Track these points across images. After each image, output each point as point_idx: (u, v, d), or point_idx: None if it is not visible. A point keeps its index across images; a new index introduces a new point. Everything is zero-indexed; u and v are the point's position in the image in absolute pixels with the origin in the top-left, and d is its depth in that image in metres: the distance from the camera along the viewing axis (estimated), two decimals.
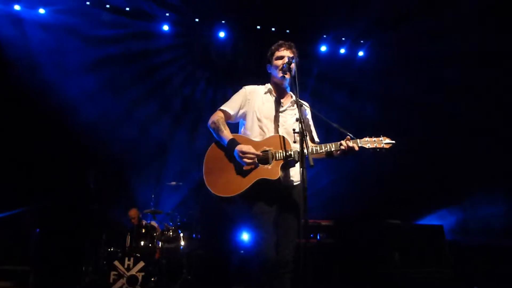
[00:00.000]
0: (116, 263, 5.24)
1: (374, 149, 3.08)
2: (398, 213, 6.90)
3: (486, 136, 7.41)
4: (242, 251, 6.45)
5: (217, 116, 3.29)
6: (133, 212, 6.61)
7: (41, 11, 7.20)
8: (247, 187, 3.00)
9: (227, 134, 3.17)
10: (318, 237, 6.31)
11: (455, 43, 7.26)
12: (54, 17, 7.25)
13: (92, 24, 7.39)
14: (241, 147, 3.04)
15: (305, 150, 2.78)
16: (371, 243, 6.28)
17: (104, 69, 7.55)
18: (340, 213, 7.11)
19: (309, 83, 8.20)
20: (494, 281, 6.15)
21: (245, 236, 6.49)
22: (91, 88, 7.42)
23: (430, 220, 7.48)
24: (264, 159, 3.06)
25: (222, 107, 3.35)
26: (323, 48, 8.48)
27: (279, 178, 3.00)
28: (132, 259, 5.30)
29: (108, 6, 7.39)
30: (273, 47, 3.40)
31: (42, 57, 7.13)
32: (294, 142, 3.09)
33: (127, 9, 7.50)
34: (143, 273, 5.25)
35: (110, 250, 5.70)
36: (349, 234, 6.62)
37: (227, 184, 3.06)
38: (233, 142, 3.10)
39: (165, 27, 7.84)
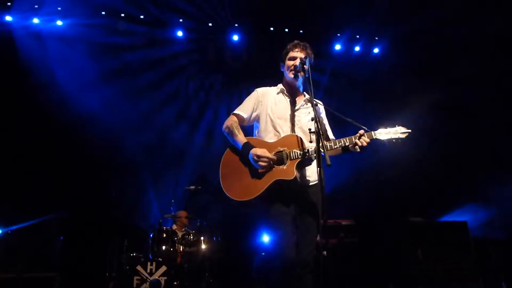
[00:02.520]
0: (139, 267, 5.29)
1: (390, 140, 3.03)
2: (420, 210, 6.80)
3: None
4: (263, 253, 6.44)
5: (231, 121, 3.31)
6: (182, 213, 6.68)
7: (59, 23, 7.36)
8: (264, 189, 3.00)
9: (241, 138, 3.19)
10: (339, 237, 6.25)
11: (474, 33, 7.12)
12: (71, 28, 7.41)
13: (108, 33, 7.52)
14: (256, 151, 3.04)
15: (322, 149, 2.77)
16: (394, 241, 6.20)
17: (121, 77, 7.66)
18: (361, 212, 7.03)
19: (324, 83, 8.15)
20: None
21: (266, 238, 6.48)
22: (109, 96, 7.51)
23: (454, 216, 7.34)
24: (279, 159, 3.05)
25: (235, 111, 3.38)
26: (338, 47, 8.43)
27: (295, 178, 2.99)
28: (154, 263, 5.35)
29: (123, 15, 7.51)
30: (288, 46, 3.40)
31: (60, 68, 7.27)
32: (310, 141, 3.08)
33: (141, 17, 7.61)
34: (165, 277, 5.28)
35: (133, 255, 5.75)
36: (371, 233, 6.54)
37: (244, 188, 3.07)
38: (248, 146, 3.11)
39: (179, 33, 7.92)
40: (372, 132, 3.05)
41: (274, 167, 3.04)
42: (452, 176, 7.55)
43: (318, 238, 3.18)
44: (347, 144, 3.05)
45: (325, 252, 2.92)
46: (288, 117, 3.26)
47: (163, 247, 5.78)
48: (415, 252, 5.85)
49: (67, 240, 6.55)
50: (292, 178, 2.98)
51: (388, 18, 7.57)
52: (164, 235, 5.89)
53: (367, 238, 6.42)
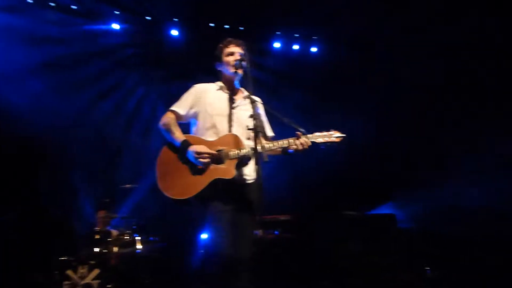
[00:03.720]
0: (69, 272, 5.03)
1: (325, 143, 3.11)
2: (354, 205, 7.10)
3: (436, 129, 7.79)
4: (202, 251, 6.38)
5: (168, 118, 3.24)
6: (101, 213, 6.40)
7: None
8: (202, 188, 2.98)
9: (179, 135, 3.13)
10: (276, 233, 6.35)
11: (410, 36, 7.51)
12: None
13: (37, 24, 7.03)
14: (195, 147, 3.00)
15: (259, 147, 2.79)
16: (329, 234, 6.41)
17: (53, 71, 7.18)
18: (298, 207, 7.21)
19: (264, 80, 8.21)
20: (443, 264, 6.52)
21: (204, 236, 6.42)
22: (40, 91, 7.03)
23: (384, 209, 7.75)
24: (218, 158, 3.03)
25: (172, 108, 3.31)
26: (277, 45, 8.52)
27: (234, 177, 2.98)
28: (86, 267, 5.11)
29: (53, 4, 7.06)
30: (221, 44, 3.39)
31: None
32: (248, 139, 3.09)
33: (74, 7, 7.20)
34: (98, 281, 5.07)
35: (63, 258, 5.45)
36: (308, 227, 6.71)
37: (182, 187, 3.02)
38: (186, 143, 3.06)
39: (115, 26, 7.60)
40: (309, 135, 3.10)
41: (213, 165, 3.01)
42: (382, 172, 7.97)
43: (257, 234, 3.20)
44: (285, 145, 3.07)
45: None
46: (227, 114, 3.24)
47: (96, 249, 5.55)
48: (348, 244, 6.12)
49: None
50: (231, 177, 2.99)
51: (325, 18, 7.77)
52: (97, 236, 5.65)
53: (304, 232, 6.57)
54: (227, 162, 3.03)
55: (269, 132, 3.44)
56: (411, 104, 7.89)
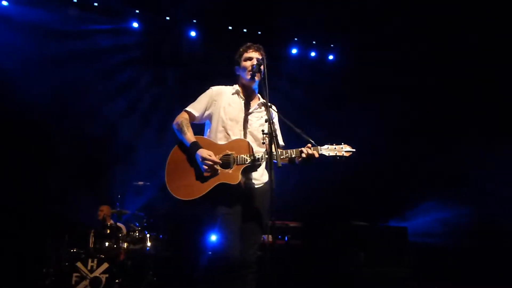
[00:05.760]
0: (79, 264, 5.10)
1: (334, 156, 3.08)
2: (365, 215, 7.05)
3: (452, 139, 7.74)
4: (210, 252, 6.39)
5: (182, 118, 3.25)
6: (103, 208, 6.49)
7: (4, 3, 6.92)
8: (207, 191, 2.99)
9: (189, 137, 3.14)
10: (286, 239, 6.34)
11: (417, 48, 7.49)
12: (18, 10, 6.98)
13: (59, 19, 7.15)
14: (202, 152, 3.01)
15: (274, 152, 2.78)
16: (338, 244, 6.39)
17: (70, 65, 7.30)
18: (309, 215, 7.17)
19: (280, 86, 8.22)
20: (452, 280, 6.46)
21: (213, 237, 6.42)
22: (55, 85, 7.17)
23: (396, 222, 7.68)
24: (226, 163, 3.04)
25: (187, 108, 3.31)
26: (294, 51, 8.55)
27: (239, 183, 2.99)
28: (95, 260, 5.18)
29: (75, 0, 7.19)
30: (241, 49, 3.37)
31: (4, 53, 6.84)
32: (263, 143, 3.09)
33: (95, 4, 7.32)
34: (107, 275, 5.12)
35: (73, 251, 5.53)
36: (317, 235, 6.69)
37: (188, 187, 3.04)
38: (195, 145, 3.07)
39: (135, 24, 7.71)
40: (319, 147, 3.07)
41: (220, 169, 3.02)
42: (396, 184, 7.91)
43: (265, 238, 3.20)
44: (293, 155, 3.07)
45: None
46: (240, 119, 3.24)
47: (106, 244, 5.61)
48: (357, 254, 6.07)
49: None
50: (236, 183, 2.97)
51: (344, 27, 7.78)
52: (108, 231, 5.72)
53: (313, 240, 6.55)
54: (235, 167, 3.02)
55: (280, 141, 3.42)
56: (430, 113, 7.87)
